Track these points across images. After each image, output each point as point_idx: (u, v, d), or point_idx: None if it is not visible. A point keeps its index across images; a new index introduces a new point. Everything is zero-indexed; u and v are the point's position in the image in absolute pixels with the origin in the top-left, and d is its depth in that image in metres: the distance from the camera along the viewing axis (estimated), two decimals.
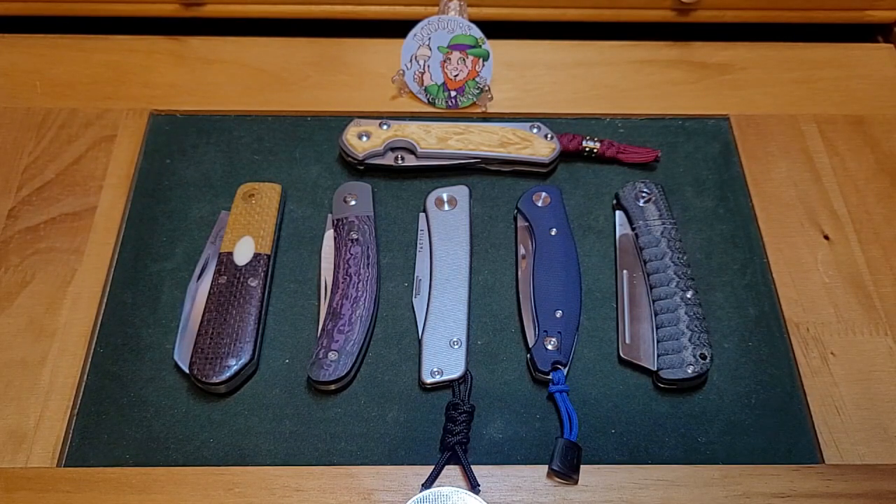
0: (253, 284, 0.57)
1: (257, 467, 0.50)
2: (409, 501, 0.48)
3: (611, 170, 0.66)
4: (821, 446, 0.52)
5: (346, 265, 0.58)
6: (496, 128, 0.65)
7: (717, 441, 0.52)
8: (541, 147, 0.64)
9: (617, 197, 0.63)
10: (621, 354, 0.56)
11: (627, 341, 0.56)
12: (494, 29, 0.68)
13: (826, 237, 0.62)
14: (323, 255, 0.60)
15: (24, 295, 0.57)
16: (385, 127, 0.64)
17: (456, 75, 0.67)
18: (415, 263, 0.60)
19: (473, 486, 0.50)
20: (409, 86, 0.69)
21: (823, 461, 0.51)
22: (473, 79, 0.68)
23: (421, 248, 0.61)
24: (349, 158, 0.64)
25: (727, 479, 0.50)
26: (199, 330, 0.55)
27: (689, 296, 0.56)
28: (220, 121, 0.68)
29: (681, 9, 0.74)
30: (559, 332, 0.55)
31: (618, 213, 0.63)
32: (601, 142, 0.65)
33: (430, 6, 0.71)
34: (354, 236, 0.59)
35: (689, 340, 0.54)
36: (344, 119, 0.66)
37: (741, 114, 0.69)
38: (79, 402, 0.53)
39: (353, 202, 0.61)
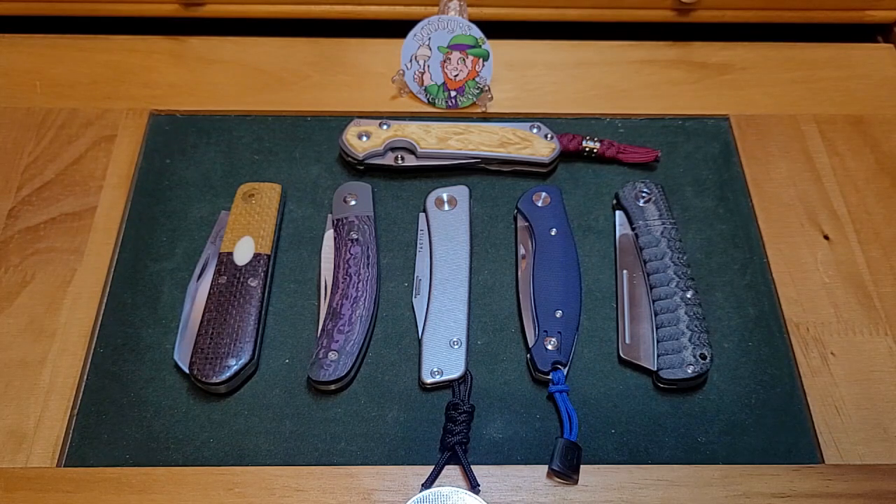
0: (253, 284, 0.57)
1: (257, 467, 0.50)
2: (409, 501, 0.48)
3: (611, 170, 0.66)
4: (821, 446, 0.52)
5: (346, 265, 0.58)
6: (496, 128, 0.65)
7: (717, 441, 0.52)
8: (541, 147, 0.64)
9: (617, 197, 0.63)
10: (621, 354, 0.56)
11: (627, 341, 0.56)
12: (494, 29, 0.68)
13: (826, 237, 0.62)
14: (323, 255, 0.60)
15: (24, 295, 0.57)
16: (385, 127, 0.64)
17: (456, 75, 0.67)
18: (415, 263, 0.60)
19: (473, 486, 0.50)
20: (409, 86, 0.69)
21: (823, 461, 0.51)
22: (473, 79, 0.68)
23: (421, 248, 0.61)
24: (349, 158, 0.64)
25: (727, 479, 0.50)
26: (199, 330, 0.55)
27: (689, 296, 0.56)
28: (220, 121, 0.68)
29: (681, 9, 0.74)
30: (559, 332, 0.55)
31: (618, 213, 0.63)
32: (601, 142, 0.65)
33: (430, 6, 0.71)
34: (354, 236, 0.59)
35: (689, 340, 0.54)
36: (344, 119, 0.66)
37: (741, 114, 0.69)
38: (79, 402, 0.53)
39: (353, 202, 0.61)
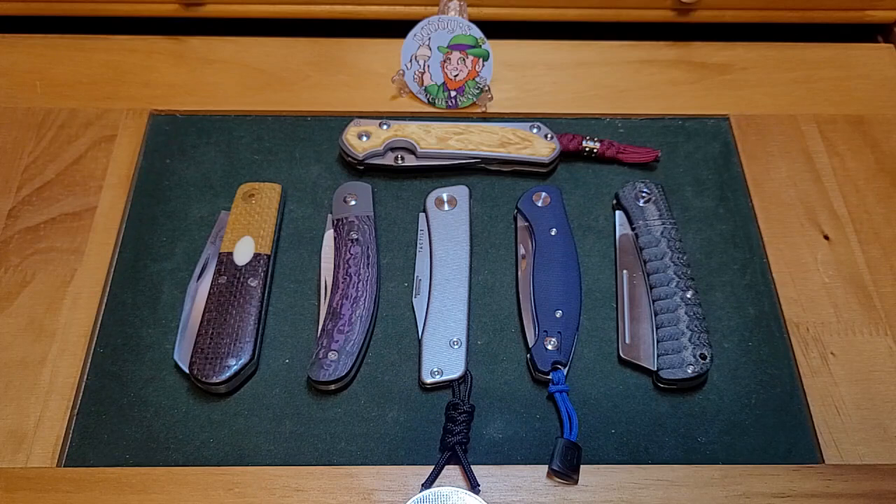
0: (253, 284, 0.57)
1: (257, 467, 0.50)
2: (409, 501, 0.48)
3: (611, 170, 0.66)
4: (821, 446, 0.52)
5: (346, 265, 0.58)
6: (496, 128, 0.65)
7: (717, 441, 0.52)
8: (541, 147, 0.64)
9: (617, 197, 0.63)
10: (621, 354, 0.56)
11: (627, 341, 0.56)
12: (494, 29, 0.68)
13: (826, 237, 0.62)
14: (323, 255, 0.60)
15: (24, 295, 0.57)
16: (385, 127, 0.65)
17: (456, 75, 0.67)
18: (415, 263, 0.60)
19: (473, 486, 0.50)
20: (409, 86, 0.69)
21: (823, 461, 0.51)
22: (473, 79, 0.68)
23: (421, 248, 0.61)
24: (349, 158, 0.64)
25: (727, 479, 0.50)
26: (199, 330, 0.55)
27: (689, 296, 0.56)
28: (220, 121, 0.68)
29: (681, 9, 0.74)
30: (559, 332, 0.55)
31: (618, 213, 0.63)
32: (601, 142, 0.65)
33: (430, 6, 0.71)
34: (354, 236, 0.59)
35: (689, 340, 0.54)
36: (344, 119, 0.66)
37: (741, 114, 0.69)
38: (79, 402, 0.53)
39: (353, 202, 0.61)
